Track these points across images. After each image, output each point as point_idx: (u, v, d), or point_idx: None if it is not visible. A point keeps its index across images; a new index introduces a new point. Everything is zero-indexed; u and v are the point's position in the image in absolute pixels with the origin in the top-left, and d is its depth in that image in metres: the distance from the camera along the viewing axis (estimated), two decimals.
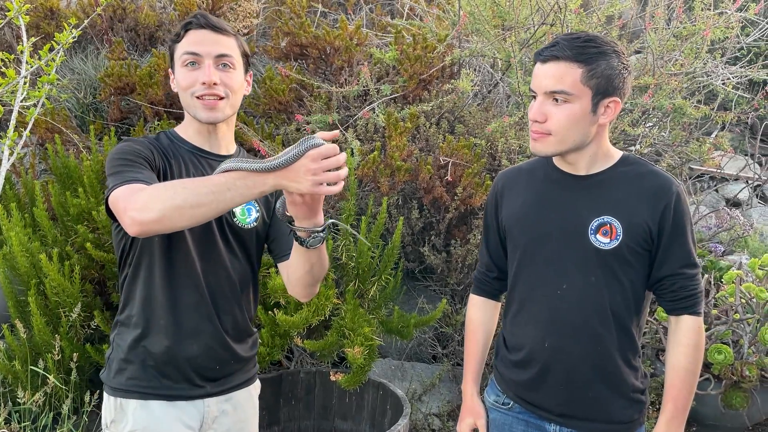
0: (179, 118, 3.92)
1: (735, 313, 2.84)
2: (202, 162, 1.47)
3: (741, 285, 2.98)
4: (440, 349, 3.43)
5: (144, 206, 1.18)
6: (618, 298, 1.48)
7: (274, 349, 2.30)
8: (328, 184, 1.17)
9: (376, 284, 2.69)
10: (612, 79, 1.41)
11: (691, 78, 3.65)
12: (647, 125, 3.93)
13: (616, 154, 1.53)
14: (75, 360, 2.23)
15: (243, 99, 1.56)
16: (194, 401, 1.48)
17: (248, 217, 1.52)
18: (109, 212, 1.32)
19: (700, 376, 2.99)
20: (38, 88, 2.98)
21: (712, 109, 3.87)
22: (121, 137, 3.95)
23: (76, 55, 4.61)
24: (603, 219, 1.46)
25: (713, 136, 7.39)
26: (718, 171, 6.09)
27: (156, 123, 3.67)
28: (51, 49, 2.91)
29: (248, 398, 1.61)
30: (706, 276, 3.15)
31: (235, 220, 1.50)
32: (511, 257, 1.60)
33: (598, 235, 1.46)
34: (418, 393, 3.08)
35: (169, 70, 1.49)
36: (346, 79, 3.70)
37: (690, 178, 5.97)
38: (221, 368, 1.50)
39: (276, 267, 1.61)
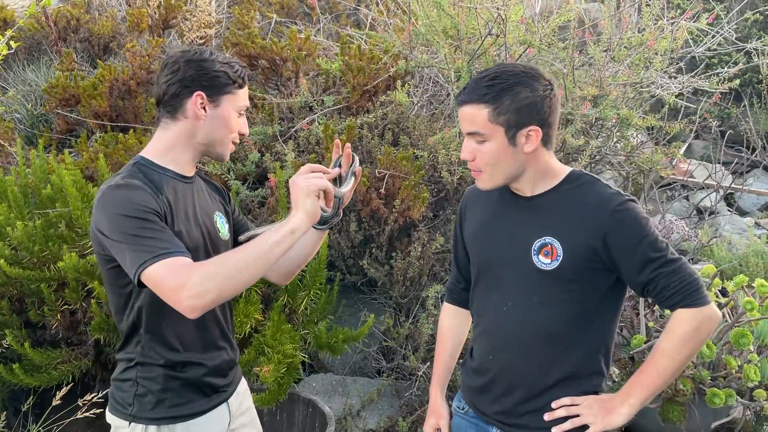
0: (125, 130, 3.89)
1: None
2: (186, 189, 1.53)
3: None
4: (385, 363, 3.38)
5: (201, 292, 1.26)
6: (562, 317, 1.49)
7: None
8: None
9: (306, 299, 2.65)
10: (521, 110, 1.43)
11: (637, 88, 3.64)
12: (602, 135, 3.92)
13: (562, 172, 1.53)
14: None
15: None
16: (224, 404, 1.61)
17: (224, 228, 1.61)
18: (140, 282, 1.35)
19: None
20: None
21: (661, 118, 3.86)
22: (68, 149, 3.90)
23: (29, 67, 4.57)
24: (544, 240, 1.48)
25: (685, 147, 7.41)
26: (686, 179, 6.10)
27: (100, 135, 3.62)
28: None
29: (245, 385, 1.75)
30: None
31: (219, 234, 1.58)
32: (471, 272, 1.67)
33: (540, 256, 1.48)
34: (356, 409, 3.03)
35: (204, 95, 1.48)
36: (292, 91, 3.67)
37: (657, 186, 5.98)
38: (231, 372, 1.64)
39: None
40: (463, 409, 1.70)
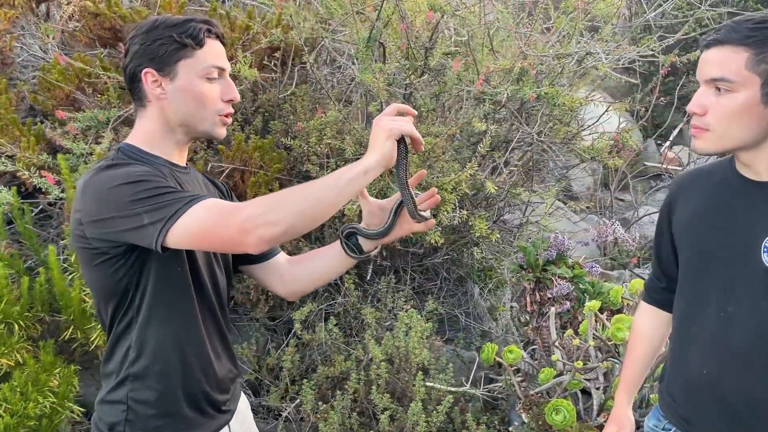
0: None
1: (578, 360, 2.19)
2: (182, 178, 1.35)
3: (599, 322, 2.33)
4: (253, 399, 2.79)
5: (273, 220, 1.11)
6: None
7: None
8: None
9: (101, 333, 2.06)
10: None
11: (568, 60, 3.00)
12: (539, 119, 3.29)
13: None
14: None
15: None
16: (225, 427, 1.42)
17: None
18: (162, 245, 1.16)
19: None
20: None
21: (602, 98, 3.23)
22: None
23: None
24: None
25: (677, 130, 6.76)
26: (667, 167, 5.70)
27: None
28: None
29: (246, 402, 1.57)
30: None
31: None
32: (680, 269, 1.46)
33: None
34: None
35: (154, 71, 1.27)
36: None
37: (631, 175, 5.39)
38: (233, 388, 1.46)
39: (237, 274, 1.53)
40: (666, 429, 1.51)
